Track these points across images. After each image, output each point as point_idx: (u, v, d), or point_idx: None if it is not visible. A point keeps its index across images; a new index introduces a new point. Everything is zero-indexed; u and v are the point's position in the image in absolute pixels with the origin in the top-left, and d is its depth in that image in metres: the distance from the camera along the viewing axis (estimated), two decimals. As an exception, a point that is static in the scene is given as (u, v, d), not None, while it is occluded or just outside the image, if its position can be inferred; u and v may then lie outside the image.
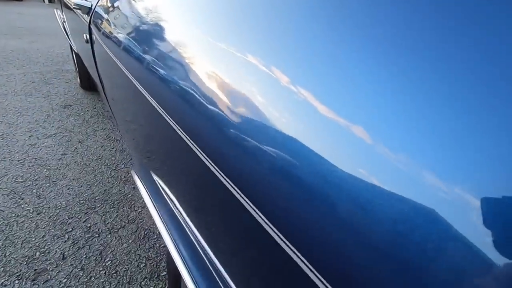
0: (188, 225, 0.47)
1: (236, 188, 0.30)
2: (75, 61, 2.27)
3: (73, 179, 1.41)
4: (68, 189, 1.35)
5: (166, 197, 0.55)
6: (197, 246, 0.44)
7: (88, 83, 2.28)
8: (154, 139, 0.56)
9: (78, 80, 2.35)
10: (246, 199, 0.28)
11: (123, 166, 1.54)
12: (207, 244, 0.43)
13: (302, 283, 0.24)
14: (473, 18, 0.20)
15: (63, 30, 2.03)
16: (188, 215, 0.48)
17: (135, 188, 1.39)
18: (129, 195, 1.34)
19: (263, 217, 0.27)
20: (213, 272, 0.40)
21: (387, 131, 0.20)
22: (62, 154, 1.58)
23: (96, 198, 1.31)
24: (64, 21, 1.85)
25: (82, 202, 1.28)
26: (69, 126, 1.85)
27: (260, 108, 0.28)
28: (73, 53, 2.25)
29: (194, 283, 0.42)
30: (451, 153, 0.17)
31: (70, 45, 2.21)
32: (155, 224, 1.18)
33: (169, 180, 0.55)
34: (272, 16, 0.32)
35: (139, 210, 1.27)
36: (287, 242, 0.24)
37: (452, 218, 0.16)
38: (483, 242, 0.15)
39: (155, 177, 0.60)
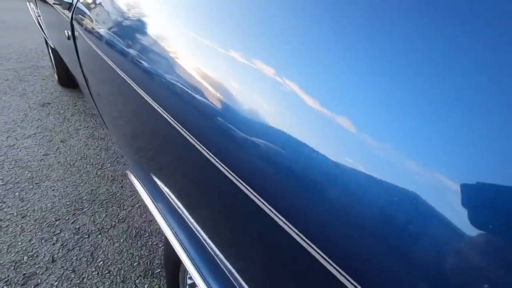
0: (188, 218, 0.48)
1: (235, 176, 0.31)
2: (52, 57, 2.18)
3: (57, 180, 1.37)
4: (53, 190, 1.31)
5: (164, 193, 0.56)
6: (199, 237, 0.45)
7: (67, 80, 2.19)
8: (146, 133, 0.57)
9: (56, 76, 2.26)
10: (248, 188, 0.30)
11: (109, 165, 1.51)
12: (208, 234, 0.44)
13: (300, 259, 0.26)
14: (443, 19, 0.21)
15: (38, 25, 1.94)
16: (187, 208, 0.48)
17: (123, 187, 1.37)
18: (118, 194, 1.32)
19: (265, 205, 0.28)
20: (216, 259, 0.42)
21: (380, 128, 0.21)
22: (43, 155, 1.53)
23: (83, 198, 1.28)
24: (39, 16, 1.77)
25: (68, 203, 1.25)
26: (49, 125, 1.79)
27: (249, 98, 0.30)
28: (49, 48, 2.15)
29: (197, 270, 0.43)
30: (436, 147, 0.19)
31: (46, 40, 2.11)
32: (153, 222, 1.17)
33: (165, 175, 0.55)
34: (258, 12, 0.33)
35: (129, 208, 1.25)
36: (284, 220, 0.26)
37: (433, 202, 0.18)
38: (462, 223, 0.17)
39: (152, 174, 0.60)
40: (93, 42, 0.68)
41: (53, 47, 1.77)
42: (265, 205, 0.27)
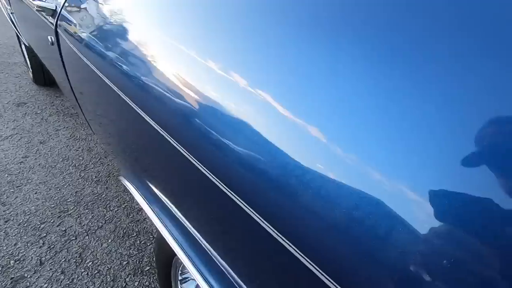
0: (180, 215, 0.52)
1: (215, 178, 0.34)
2: (26, 55, 2.10)
3: (39, 183, 1.36)
4: (36, 193, 1.30)
5: (157, 194, 0.59)
6: (191, 233, 0.50)
7: (42, 78, 2.12)
8: (134, 139, 0.60)
9: (31, 74, 2.18)
10: (227, 189, 0.33)
11: (92, 166, 1.51)
12: (198, 230, 0.48)
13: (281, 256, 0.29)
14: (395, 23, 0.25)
15: (10, 21, 1.86)
16: (179, 206, 0.53)
17: (108, 188, 1.38)
18: (103, 195, 1.33)
19: (242, 203, 0.31)
20: (207, 251, 0.46)
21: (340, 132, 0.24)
22: (23, 157, 1.50)
23: (68, 200, 1.28)
24: (12, 13, 1.70)
25: (53, 206, 1.25)
26: (27, 126, 1.74)
27: (227, 101, 0.32)
28: (23, 45, 2.07)
29: (191, 262, 0.47)
30: (395, 152, 0.21)
31: (18, 36, 2.03)
32: (141, 221, 1.19)
33: (156, 176, 0.59)
34: (234, 18, 0.36)
35: (115, 209, 1.27)
36: (260, 217, 0.29)
37: (395, 203, 0.21)
38: (423, 222, 0.19)
39: (143, 177, 0.64)
40: (79, 49, 0.70)
41: (27, 44, 1.72)
42: (242, 203, 0.31)
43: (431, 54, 0.22)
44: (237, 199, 0.32)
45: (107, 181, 1.42)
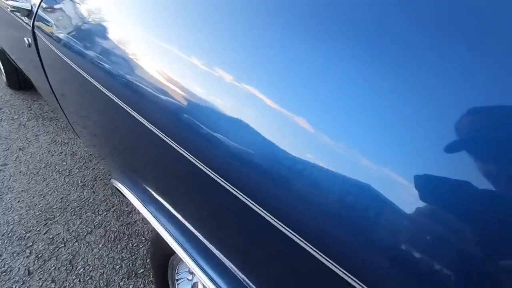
0: (175, 213, 0.52)
1: (209, 170, 0.35)
2: (-3, 58, 2.00)
3: (22, 191, 1.30)
4: (18, 202, 1.25)
5: (151, 193, 0.58)
6: (189, 229, 0.49)
7: (17, 82, 2.03)
8: (124, 137, 0.59)
9: (4, 78, 2.08)
10: (223, 180, 0.33)
11: (77, 170, 1.46)
12: (194, 225, 0.48)
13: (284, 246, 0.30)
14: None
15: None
16: (174, 204, 0.53)
17: (95, 192, 1.35)
18: (90, 200, 1.30)
19: (238, 193, 0.32)
20: (206, 246, 0.46)
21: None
22: (2, 165, 1.43)
23: (54, 207, 1.24)
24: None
25: (38, 213, 1.21)
26: (4, 133, 1.67)
27: (212, 97, 0.33)
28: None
29: (192, 258, 0.47)
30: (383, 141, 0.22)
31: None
32: (131, 224, 1.16)
33: (149, 174, 0.58)
34: (214, 15, 0.37)
35: (104, 213, 1.24)
36: (257, 205, 0.30)
37: (383, 190, 0.22)
38: (411, 208, 0.21)
39: (137, 177, 0.63)
40: (59, 49, 0.67)
41: (0, 47, 1.64)
42: (239, 194, 0.32)
43: (415, 48, 0.24)
44: (234, 190, 0.32)
45: (93, 185, 1.38)
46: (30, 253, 1.05)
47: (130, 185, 0.62)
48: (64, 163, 1.50)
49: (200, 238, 0.48)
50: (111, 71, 0.49)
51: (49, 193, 1.31)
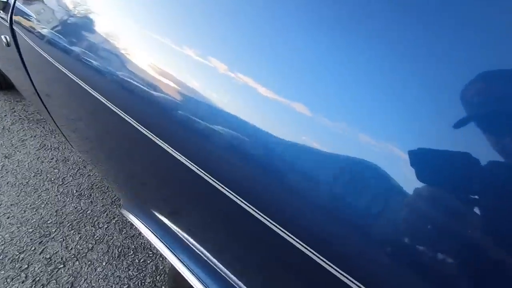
0: (195, 244, 0.45)
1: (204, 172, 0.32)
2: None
3: (11, 205, 1.18)
4: (8, 218, 1.13)
5: (167, 226, 0.50)
6: (216, 269, 0.43)
7: (-4, 81, 1.86)
8: (119, 143, 0.52)
9: (-18, 78, 1.90)
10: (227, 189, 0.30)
11: (71, 178, 1.34)
12: (223, 262, 0.42)
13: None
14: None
15: None
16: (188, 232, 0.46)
17: (93, 202, 1.24)
18: (88, 212, 1.19)
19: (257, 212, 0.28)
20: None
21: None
22: (-14, 176, 1.30)
23: (48, 222, 1.13)
24: None
25: (31, 230, 1.09)
26: (-14, 139, 1.52)
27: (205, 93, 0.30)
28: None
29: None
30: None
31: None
32: (136, 237, 1.08)
33: (160, 202, 0.50)
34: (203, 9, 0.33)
35: (105, 226, 1.14)
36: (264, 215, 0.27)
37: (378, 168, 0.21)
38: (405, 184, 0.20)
39: (147, 207, 0.53)
40: (42, 47, 0.56)
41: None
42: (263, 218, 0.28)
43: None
44: (266, 219, 0.28)
45: (90, 195, 1.27)
46: (26, 277, 0.95)
47: (139, 213, 0.53)
48: (56, 170, 1.38)
49: (225, 275, 0.41)
50: (101, 69, 0.42)
51: (42, 205, 1.20)
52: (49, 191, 1.27)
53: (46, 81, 0.70)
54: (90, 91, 0.47)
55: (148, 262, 1.03)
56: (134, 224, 0.53)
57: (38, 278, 0.95)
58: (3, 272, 0.95)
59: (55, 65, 0.53)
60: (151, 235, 0.51)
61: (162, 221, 0.51)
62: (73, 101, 0.60)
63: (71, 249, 1.05)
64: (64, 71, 0.51)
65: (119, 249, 1.06)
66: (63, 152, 1.50)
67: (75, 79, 0.49)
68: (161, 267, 1.01)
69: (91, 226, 1.13)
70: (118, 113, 0.42)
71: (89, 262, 1.01)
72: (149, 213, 0.54)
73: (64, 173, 1.37)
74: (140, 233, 1.12)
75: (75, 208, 1.20)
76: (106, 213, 1.19)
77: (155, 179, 0.48)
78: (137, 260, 1.03)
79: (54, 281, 0.94)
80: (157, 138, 0.37)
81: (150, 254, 1.06)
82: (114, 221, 1.16)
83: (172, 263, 0.47)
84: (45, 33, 0.56)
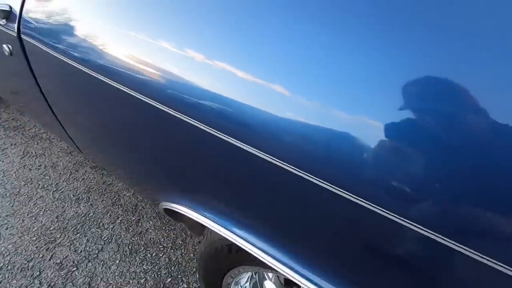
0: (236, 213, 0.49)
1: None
2: None
3: (6, 216, 1.15)
4: (7, 228, 1.11)
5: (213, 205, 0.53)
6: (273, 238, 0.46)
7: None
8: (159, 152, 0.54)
9: None
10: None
11: (65, 184, 1.32)
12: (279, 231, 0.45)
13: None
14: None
15: None
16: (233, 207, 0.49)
17: (93, 204, 1.24)
18: (90, 214, 1.20)
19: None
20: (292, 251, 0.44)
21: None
22: (-28, 189, 1.25)
23: (51, 228, 1.13)
24: None
25: (35, 238, 1.08)
26: (-39, 151, 1.43)
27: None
28: None
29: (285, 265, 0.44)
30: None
31: None
32: (143, 233, 1.09)
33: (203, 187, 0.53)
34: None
35: (111, 226, 1.16)
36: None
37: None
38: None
39: (189, 190, 0.57)
40: (64, 54, 0.57)
41: None
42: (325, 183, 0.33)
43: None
44: (324, 183, 0.33)
45: (89, 198, 1.27)
46: (40, 283, 0.95)
47: (188, 203, 0.57)
48: (47, 177, 1.35)
49: (285, 243, 0.45)
50: (127, 68, 0.46)
51: (41, 213, 1.18)
52: (44, 198, 1.24)
53: (56, 88, 0.70)
54: (127, 91, 0.47)
55: (160, 255, 1.08)
56: (183, 212, 0.56)
57: (53, 282, 0.96)
58: (15, 281, 0.95)
59: (78, 68, 0.54)
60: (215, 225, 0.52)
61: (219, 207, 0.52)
62: (96, 106, 0.61)
63: (81, 251, 1.06)
64: (88, 73, 0.52)
65: (129, 247, 1.09)
66: (50, 158, 1.45)
67: (109, 82, 0.50)
68: (174, 258, 1.06)
69: (97, 228, 1.14)
70: (180, 117, 0.44)
71: (102, 262, 1.03)
72: (204, 201, 0.55)
73: (56, 179, 1.34)
74: (147, 230, 1.15)
75: (76, 212, 1.20)
76: (109, 214, 1.20)
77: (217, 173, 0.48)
78: (149, 255, 1.07)
79: (71, 283, 0.96)
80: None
81: (161, 247, 1.10)
82: (118, 221, 1.18)
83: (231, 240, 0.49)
84: (63, 39, 0.57)
